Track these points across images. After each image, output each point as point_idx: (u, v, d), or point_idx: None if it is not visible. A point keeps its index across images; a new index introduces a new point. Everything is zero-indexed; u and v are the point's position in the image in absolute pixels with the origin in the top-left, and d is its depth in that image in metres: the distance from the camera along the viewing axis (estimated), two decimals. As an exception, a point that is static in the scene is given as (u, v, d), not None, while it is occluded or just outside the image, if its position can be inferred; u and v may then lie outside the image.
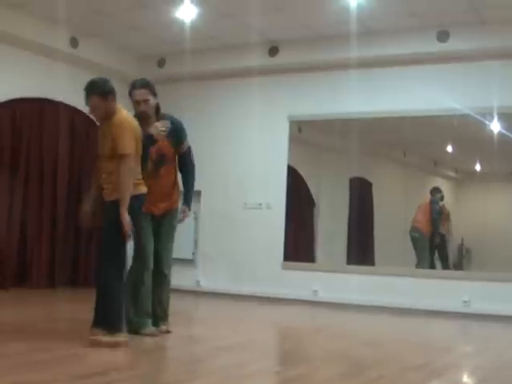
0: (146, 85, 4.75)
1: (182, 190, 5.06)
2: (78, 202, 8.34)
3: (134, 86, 4.75)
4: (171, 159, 4.90)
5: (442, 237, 8.63)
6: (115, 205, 4.25)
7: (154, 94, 4.78)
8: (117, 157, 4.25)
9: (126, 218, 4.22)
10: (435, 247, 8.62)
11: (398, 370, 4.11)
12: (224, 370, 3.84)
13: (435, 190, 8.71)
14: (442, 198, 8.65)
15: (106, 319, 4.28)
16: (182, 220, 5.01)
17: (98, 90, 4.29)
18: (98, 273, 4.46)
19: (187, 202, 4.99)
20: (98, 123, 4.56)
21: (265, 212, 8.42)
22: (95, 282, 4.52)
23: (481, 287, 7.18)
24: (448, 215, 8.66)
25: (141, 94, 4.69)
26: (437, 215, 8.63)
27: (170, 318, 4.99)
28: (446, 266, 8.48)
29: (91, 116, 4.58)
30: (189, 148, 5.02)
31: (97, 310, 4.34)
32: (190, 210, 5.03)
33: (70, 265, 8.30)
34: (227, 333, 5.40)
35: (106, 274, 4.34)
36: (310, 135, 8.86)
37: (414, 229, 8.54)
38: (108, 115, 4.32)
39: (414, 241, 8.50)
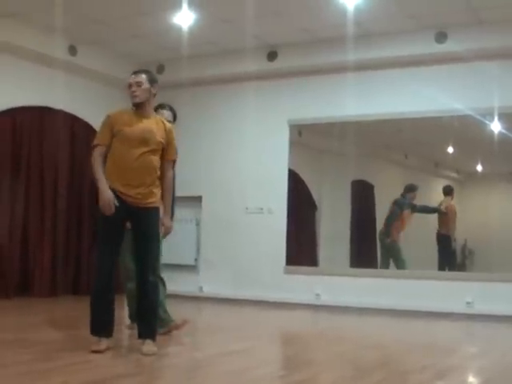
0: (171, 109, 5.17)
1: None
2: (79, 209, 8.40)
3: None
4: None
5: (446, 237, 8.52)
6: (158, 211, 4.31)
7: (174, 118, 5.17)
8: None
9: None
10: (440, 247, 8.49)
11: (402, 372, 4.10)
12: (228, 375, 3.83)
13: (408, 189, 8.44)
14: (405, 196, 8.38)
15: (155, 329, 4.37)
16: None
17: (148, 73, 4.36)
18: (150, 284, 4.26)
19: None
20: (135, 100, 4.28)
21: (266, 216, 8.40)
22: (146, 294, 4.26)
23: (484, 288, 7.17)
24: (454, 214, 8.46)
25: (163, 113, 4.97)
26: (391, 220, 8.43)
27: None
28: (452, 267, 8.39)
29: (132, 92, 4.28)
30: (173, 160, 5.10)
31: (152, 321, 4.32)
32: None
33: (72, 273, 8.29)
34: (230, 338, 5.39)
35: (158, 285, 4.39)
36: (310, 139, 8.86)
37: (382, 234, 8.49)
38: (149, 104, 4.35)
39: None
